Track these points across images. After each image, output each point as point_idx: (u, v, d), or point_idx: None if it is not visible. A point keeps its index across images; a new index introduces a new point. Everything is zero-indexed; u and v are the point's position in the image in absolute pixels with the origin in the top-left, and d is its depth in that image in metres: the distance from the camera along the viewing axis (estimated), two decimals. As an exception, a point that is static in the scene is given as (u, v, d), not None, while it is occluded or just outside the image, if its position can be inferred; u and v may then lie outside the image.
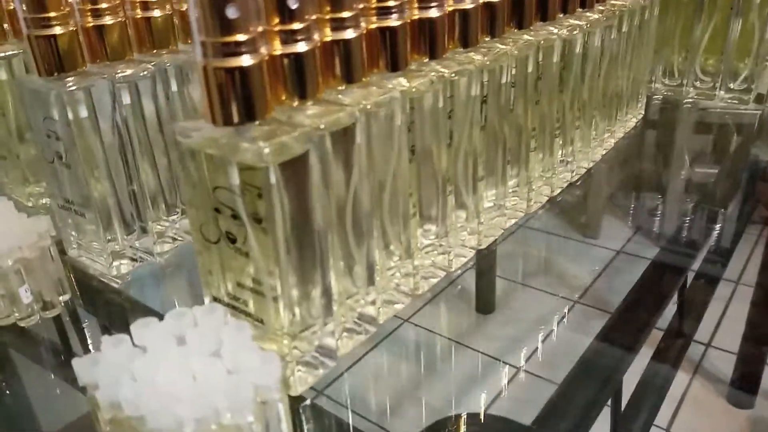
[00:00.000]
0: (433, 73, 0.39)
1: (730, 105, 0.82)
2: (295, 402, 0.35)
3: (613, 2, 0.58)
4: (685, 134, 0.83)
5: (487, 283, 0.69)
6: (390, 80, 0.37)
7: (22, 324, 0.43)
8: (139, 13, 0.46)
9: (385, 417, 0.38)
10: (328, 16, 0.33)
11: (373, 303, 0.40)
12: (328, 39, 0.34)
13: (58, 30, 0.41)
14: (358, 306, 0.39)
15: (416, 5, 0.39)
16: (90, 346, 0.43)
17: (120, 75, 0.44)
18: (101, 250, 0.47)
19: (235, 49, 0.28)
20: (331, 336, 0.37)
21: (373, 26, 0.37)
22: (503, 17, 0.46)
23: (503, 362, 0.44)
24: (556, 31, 0.49)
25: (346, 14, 0.34)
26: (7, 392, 0.41)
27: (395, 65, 0.38)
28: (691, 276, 0.71)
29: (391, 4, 0.36)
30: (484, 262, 0.48)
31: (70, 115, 0.42)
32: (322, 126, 0.31)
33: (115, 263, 0.48)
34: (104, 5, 0.43)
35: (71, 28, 0.42)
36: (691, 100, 0.84)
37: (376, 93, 0.35)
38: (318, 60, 0.33)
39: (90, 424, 0.28)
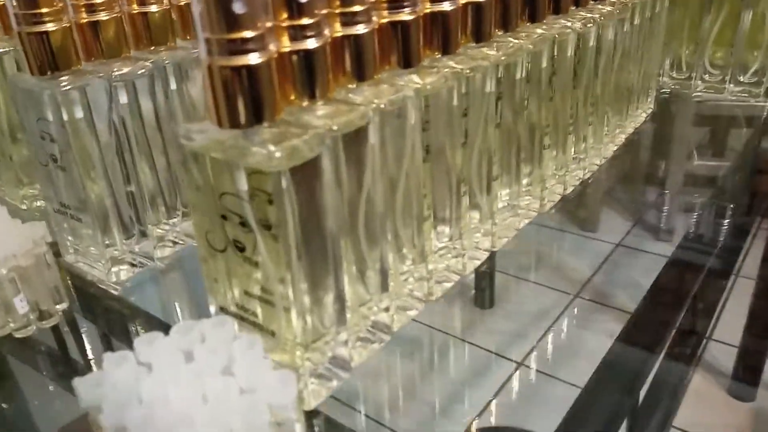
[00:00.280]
0: (446, 70, 0.37)
1: (740, 98, 0.81)
2: (308, 417, 0.33)
3: (625, -7, 0.57)
4: (694, 129, 0.82)
5: (487, 277, 0.68)
6: (402, 77, 0.36)
7: (18, 335, 0.41)
8: (135, 9, 0.44)
9: (383, 414, 0.36)
10: (338, 11, 0.32)
11: (387, 310, 0.38)
12: (339, 35, 0.32)
13: (50, 27, 0.39)
14: (372, 314, 0.37)
15: (429, -2, 0.37)
16: (90, 359, 0.42)
17: (116, 73, 0.42)
18: (99, 255, 0.45)
19: (242, 47, 0.27)
20: (345, 346, 0.35)
21: (385, 21, 0.35)
22: (516, 10, 0.44)
23: (504, 357, 0.42)
24: (570, 24, 0.48)
25: (357, 8, 0.32)
26: (3, 406, 0.39)
27: (408, 61, 0.36)
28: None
29: (403, -3, 0.34)
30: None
31: (65, 116, 0.40)
32: (335, 128, 0.29)
33: (114, 269, 0.46)
34: (99, 0, 0.42)
35: (65, 25, 0.40)
36: (699, 93, 0.83)
37: (388, 91, 0.33)
38: (328, 57, 0.31)
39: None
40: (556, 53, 0.47)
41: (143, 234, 0.47)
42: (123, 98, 0.43)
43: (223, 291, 0.34)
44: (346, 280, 0.34)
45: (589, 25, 0.50)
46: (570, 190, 0.56)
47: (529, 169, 0.49)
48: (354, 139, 0.32)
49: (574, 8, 0.51)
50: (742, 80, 0.81)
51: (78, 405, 0.26)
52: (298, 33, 0.29)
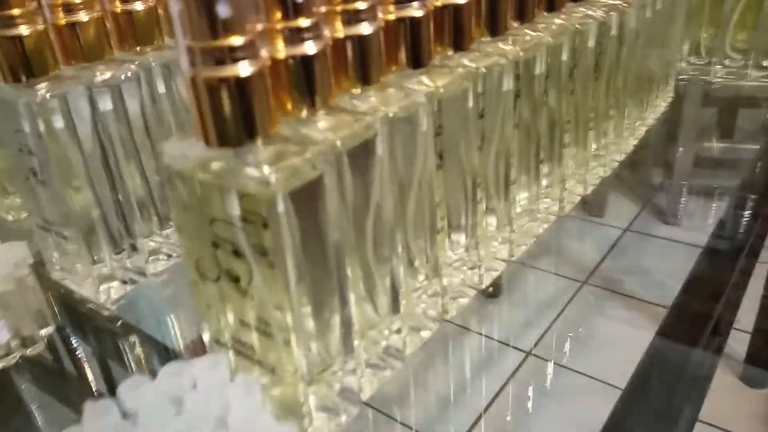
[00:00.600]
0: (460, 69, 0.34)
1: (762, 83, 0.77)
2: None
3: (646, -24, 0.53)
4: (712, 114, 0.78)
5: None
6: (412, 79, 0.32)
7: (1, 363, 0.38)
8: (118, 7, 0.41)
9: (390, 407, 0.34)
10: (339, 8, 0.28)
11: (399, 332, 0.35)
12: (340, 35, 0.29)
13: (24, 30, 0.36)
14: (382, 338, 0.34)
15: (439, -10, 0.33)
16: (73, 395, 0.39)
17: (99, 79, 0.39)
18: (86, 273, 0.42)
19: (230, 55, 0.23)
20: (354, 375, 0.32)
21: (391, 17, 0.31)
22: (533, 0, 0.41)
23: (512, 346, 0.40)
24: (591, 12, 0.44)
25: (360, 5, 0.28)
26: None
27: (417, 61, 0.33)
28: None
29: (412, -11, 0.31)
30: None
31: (43, 127, 0.37)
32: (338, 143, 0.26)
33: (104, 287, 0.43)
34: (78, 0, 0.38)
35: (40, 27, 0.37)
36: (719, 79, 0.79)
37: (397, 97, 0.30)
38: (329, 61, 0.27)
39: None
40: (576, 44, 0.44)
41: (134, 248, 0.44)
42: (107, 104, 0.40)
43: (217, 319, 0.31)
44: (353, 304, 0.30)
45: (611, 13, 0.46)
46: (590, 189, 0.52)
47: (549, 170, 0.46)
48: (360, 152, 0.28)
49: (593, -6, 0.47)
50: (765, 65, 0.77)
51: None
52: (294, 36, 0.26)
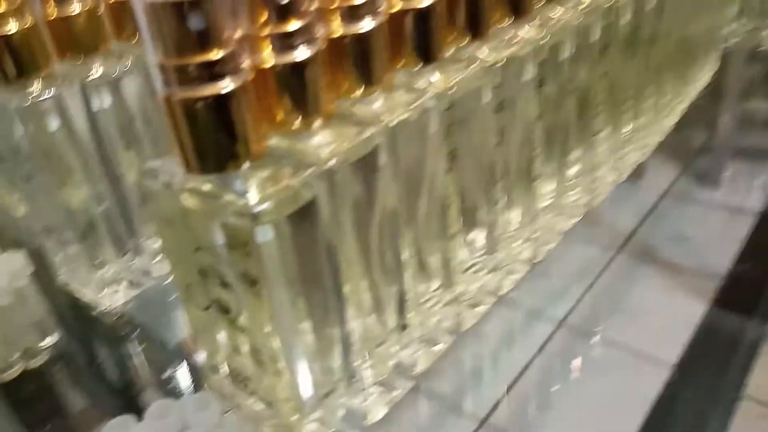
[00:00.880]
0: (475, 65, 0.31)
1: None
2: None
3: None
4: (761, 76, 0.73)
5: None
6: (421, 77, 0.29)
7: (3, 379, 0.37)
8: (111, -5, 0.39)
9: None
10: (335, 5, 0.25)
11: (407, 347, 0.33)
12: (337, 35, 0.26)
13: (13, 26, 0.34)
14: (389, 358, 0.32)
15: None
16: (72, 407, 0.38)
17: (94, 76, 0.37)
18: (89, 278, 0.41)
19: (208, 72, 0.21)
20: (359, 396, 0.31)
21: (396, 8, 0.28)
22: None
23: (542, 318, 0.38)
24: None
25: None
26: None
27: (427, 55, 0.30)
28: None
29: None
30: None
31: (37, 131, 0.36)
32: (332, 162, 0.24)
33: (108, 291, 0.42)
34: (69, -6, 0.36)
35: (29, 23, 0.35)
36: (768, 46, 0.73)
37: (403, 101, 0.27)
38: (325, 65, 0.25)
39: None
40: (610, 20, 0.40)
41: (138, 249, 0.43)
42: (104, 101, 0.38)
43: (210, 346, 0.29)
44: (354, 322, 0.28)
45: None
46: (625, 176, 0.49)
47: (578, 158, 0.42)
48: (361, 164, 0.26)
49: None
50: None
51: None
52: (283, 42, 0.23)
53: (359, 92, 0.27)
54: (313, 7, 0.24)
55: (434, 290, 0.34)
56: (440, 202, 0.31)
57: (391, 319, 0.31)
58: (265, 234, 0.22)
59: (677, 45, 0.51)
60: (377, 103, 0.27)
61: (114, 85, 0.39)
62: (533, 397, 0.35)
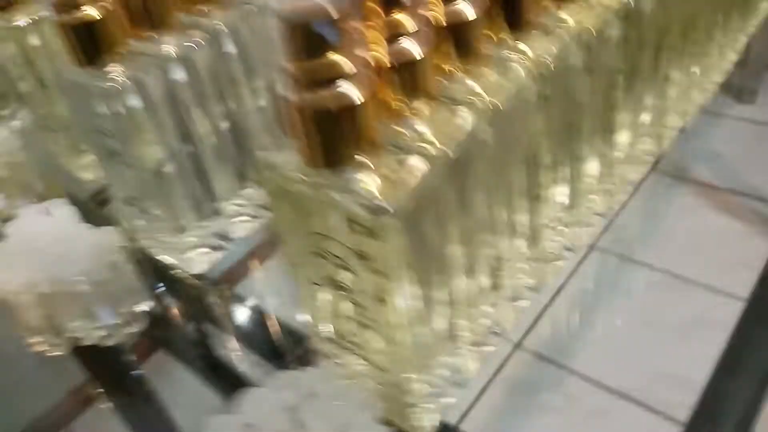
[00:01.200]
0: (565, 28, 0.31)
1: None
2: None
3: None
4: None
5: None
6: (509, 51, 0.30)
7: (108, 343, 0.40)
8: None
9: None
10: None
11: (497, 306, 0.35)
12: (441, 18, 0.26)
13: (91, 12, 0.35)
14: (484, 317, 0.34)
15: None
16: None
17: (168, 51, 0.37)
18: (173, 244, 0.43)
19: (336, 79, 0.22)
20: (461, 355, 0.33)
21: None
22: None
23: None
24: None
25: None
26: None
27: (517, 25, 0.30)
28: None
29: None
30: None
31: (121, 109, 0.37)
32: (449, 152, 0.25)
33: (191, 254, 0.44)
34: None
35: (105, 5, 0.35)
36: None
37: (501, 82, 0.28)
38: (431, 56, 0.25)
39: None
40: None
41: (216, 212, 0.45)
42: (179, 74, 0.39)
43: (319, 313, 0.31)
44: (458, 289, 0.30)
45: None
46: (689, 120, 0.49)
47: (650, 105, 0.43)
48: (469, 141, 0.27)
49: None
50: None
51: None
52: (395, 40, 0.24)
53: (454, 69, 0.28)
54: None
55: (522, 249, 0.36)
56: (533, 163, 0.32)
57: (486, 281, 0.33)
58: (389, 226, 0.23)
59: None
60: (473, 80, 0.28)
61: (187, 58, 0.39)
62: (566, 319, 0.36)
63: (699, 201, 0.55)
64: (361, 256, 0.25)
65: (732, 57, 0.54)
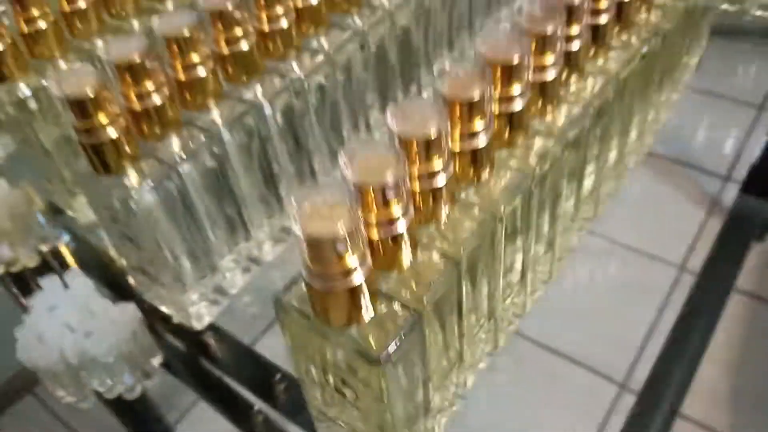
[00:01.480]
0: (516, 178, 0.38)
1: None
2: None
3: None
4: None
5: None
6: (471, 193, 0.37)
7: (127, 397, 0.47)
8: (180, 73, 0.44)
9: None
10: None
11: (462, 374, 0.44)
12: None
13: (111, 134, 0.40)
14: (453, 384, 0.42)
15: None
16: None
17: (179, 154, 0.43)
18: (178, 302, 0.50)
19: (345, 274, 0.29)
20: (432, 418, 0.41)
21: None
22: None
23: None
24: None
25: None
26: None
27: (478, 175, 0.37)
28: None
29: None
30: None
31: (135, 207, 0.42)
32: (425, 302, 0.32)
33: (193, 310, 0.51)
34: (149, 87, 0.41)
35: (122, 124, 0.41)
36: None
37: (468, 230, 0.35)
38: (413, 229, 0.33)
39: None
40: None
41: (213, 269, 0.51)
42: (190, 171, 0.44)
43: (319, 400, 0.39)
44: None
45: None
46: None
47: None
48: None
49: None
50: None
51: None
52: (389, 228, 0.31)
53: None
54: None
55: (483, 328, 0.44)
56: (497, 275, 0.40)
57: (455, 357, 0.41)
58: (385, 371, 0.31)
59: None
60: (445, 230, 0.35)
61: (194, 158, 0.45)
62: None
63: (640, 169, 0.63)
64: (357, 378, 0.33)
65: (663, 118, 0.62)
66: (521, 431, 0.46)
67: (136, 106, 0.42)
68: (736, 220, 0.63)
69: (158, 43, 0.43)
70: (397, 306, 0.32)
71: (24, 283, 0.56)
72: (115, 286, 0.50)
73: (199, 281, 0.50)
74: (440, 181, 0.33)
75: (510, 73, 0.36)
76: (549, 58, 0.39)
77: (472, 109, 0.34)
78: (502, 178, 0.38)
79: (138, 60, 0.40)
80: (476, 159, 0.36)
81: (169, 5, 0.57)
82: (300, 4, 0.50)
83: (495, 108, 0.37)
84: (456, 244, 0.35)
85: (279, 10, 0.48)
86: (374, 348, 0.31)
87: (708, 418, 0.51)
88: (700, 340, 0.51)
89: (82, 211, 0.60)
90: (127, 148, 0.42)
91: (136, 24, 0.57)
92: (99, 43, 0.54)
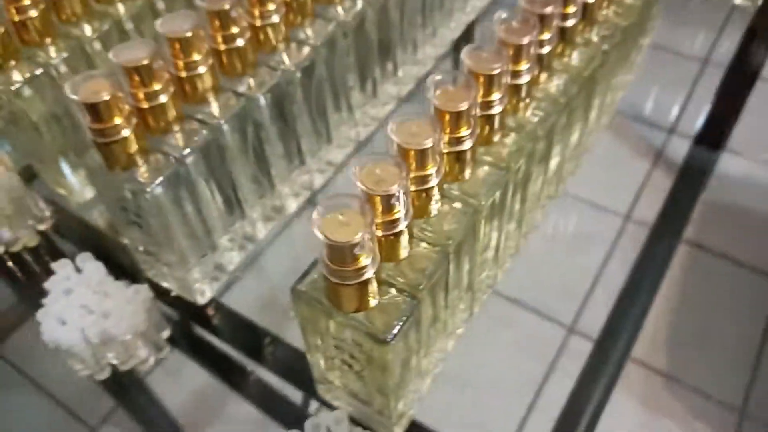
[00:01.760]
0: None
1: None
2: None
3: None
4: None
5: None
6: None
7: (141, 368, 0.52)
8: (182, 71, 0.47)
9: None
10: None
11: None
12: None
13: (125, 134, 0.44)
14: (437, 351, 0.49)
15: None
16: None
17: (185, 152, 0.47)
18: (182, 280, 0.54)
19: (358, 272, 0.34)
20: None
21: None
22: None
23: None
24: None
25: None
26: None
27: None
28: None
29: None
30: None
31: (147, 198, 0.46)
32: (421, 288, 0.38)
33: (197, 286, 0.56)
34: (157, 87, 0.45)
35: (132, 124, 0.44)
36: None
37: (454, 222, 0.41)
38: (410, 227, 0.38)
39: None
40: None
41: (213, 247, 0.56)
42: (196, 163, 0.48)
43: (325, 368, 0.45)
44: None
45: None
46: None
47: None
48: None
49: None
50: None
51: None
52: (390, 227, 0.36)
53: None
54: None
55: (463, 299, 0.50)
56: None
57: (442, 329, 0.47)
58: (390, 349, 0.37)
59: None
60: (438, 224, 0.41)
61: (199, 149, 0.49)
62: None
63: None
64: (363, 352, 0.39)
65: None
66: (474, 372, 0.53)
67: (144, 104, 0.45)
68: (689, 172, 0.70)
69: (158, 41, 0.47)
70: (397, 292, 0.38)
71: (25, 264, 0.60)
72: (113, 263, 0.54)
73: (201, 260, 0.55)
74: (433, 181, 0.39)
75: (491, 82, 0.41)
76: (523, 65, 0.44)
77: (459, 118, 0.39)
78: (482, 174, 0.43)
79: (146, 62, 0.44)
80: (461, 159, 0.41)
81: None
82: (288, -1, 0.53)
83: (477, 111, 0.42)
84: (445, 236, 0.40)
85: (270, 6, 0.51)
86: (381, 330, 0.36)
87: (649, 357, 0.59)
88: (651, 288, 0.59)
89: (73, 190, 0.63)
90: (137, 145, 0.45)
91: (121, 8, 0.59)
92: (86, 28, 0.56)
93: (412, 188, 0.38)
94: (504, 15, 0.43)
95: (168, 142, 0.48)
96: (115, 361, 0.51)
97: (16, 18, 0.54)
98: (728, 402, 0.55)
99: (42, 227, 0.61)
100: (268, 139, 0.55)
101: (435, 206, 0.41)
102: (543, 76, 0.48)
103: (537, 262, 0.61)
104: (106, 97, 0.42)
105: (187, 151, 0.47)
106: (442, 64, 0.77)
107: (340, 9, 0.58)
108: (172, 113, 0.47)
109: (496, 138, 0.44)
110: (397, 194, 0.35)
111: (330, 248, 0.33)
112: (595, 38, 0.52)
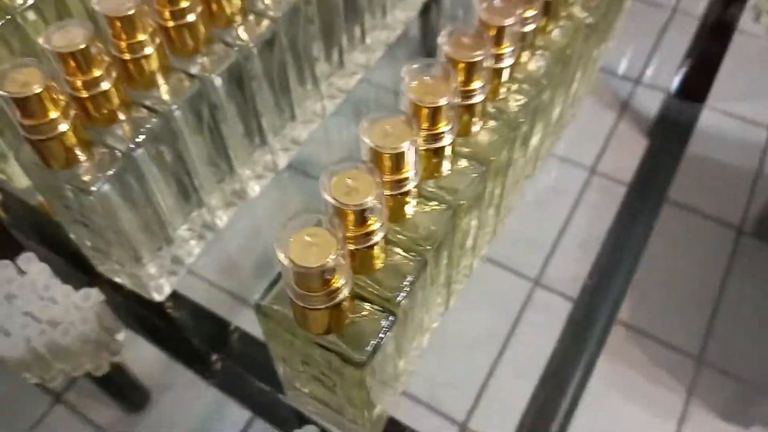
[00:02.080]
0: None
1: None
2: None
3: None
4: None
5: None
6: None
7: (96, 374, 0.49)
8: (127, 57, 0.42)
9: None
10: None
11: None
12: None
13: (62, 128, 0.39)
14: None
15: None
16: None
17: (135, 143, 0.43)
18: (136, 276, 0.51)
19: (330, 296, 0.31)
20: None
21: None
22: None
23: None
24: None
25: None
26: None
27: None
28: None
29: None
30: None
31: (91, 198, 0.42)
32: (402, 304, 0.35)
33: (153, 283, 0.52)
34: (97, 73, 0.40)
35: (69, 117, 0.40)
36: None
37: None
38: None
39: None
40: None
41: (168, 240, 0.52)
42: (142, 155, 0.44)
43: (292, 378, 0.42)
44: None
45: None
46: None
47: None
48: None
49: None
50: None
51: None
52: (360, 240, 0.33)
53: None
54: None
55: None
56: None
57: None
58: (364, 372, 0.34)
59: None
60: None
61: (146, 141, 0.44)
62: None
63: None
64: (334, 371, 0.36)
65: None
66: (441, 327, 0.52)
67: (84, 93, 0.40)
68: (669, 127, 0.68)
69: (97, 19, 0.42)
70: (372, 307, 0.35)
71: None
72: (64, 252, 0.50)
73: (156, 254, 0.51)
74: (410, 184, 0.35)
75: (471, 70, 0.37)
76: (507, 48, 0.40)
77: (438, 113, 0.35)
78: (461, 168, 0.40)
79: (83, 47, 0.39)
80: (439, 156, 0.38)
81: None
82: (243, -33, 0.48)
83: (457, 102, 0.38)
84: (422, 239, 0.37)
85: (223, -24, 0.46)
86: (355, 353, 0.34)
87: (634, 318, 0.59)
88: (635, 253, 0.57)
89: (16, 175, 0.58)
90: (77, 139, 0.41)
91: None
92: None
93: (388, 193, 0.35)
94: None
95: (113, 133, 0.43)
96: (66, 368, 0.48)
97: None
98: (687, 350, 0.56)
99: (-21, 219, 0.57)
100: (225, 119, 0.51)
101: (411, 209, 0.37)
102: (525, 55, 0.45)
103: (507, 217, 0.59)
104: (38, 90, 0.37)
105: (135, 142, 0.43)
106: (410, 29, 0.72)
107: (301, -26, 0.53)
108: (116, 101, 0.42)
109: (476, 128, 0.41)
110: (372, 206, 0.31)
111: (296, 274, 0.30)
112: (578, 12, 0.48)
